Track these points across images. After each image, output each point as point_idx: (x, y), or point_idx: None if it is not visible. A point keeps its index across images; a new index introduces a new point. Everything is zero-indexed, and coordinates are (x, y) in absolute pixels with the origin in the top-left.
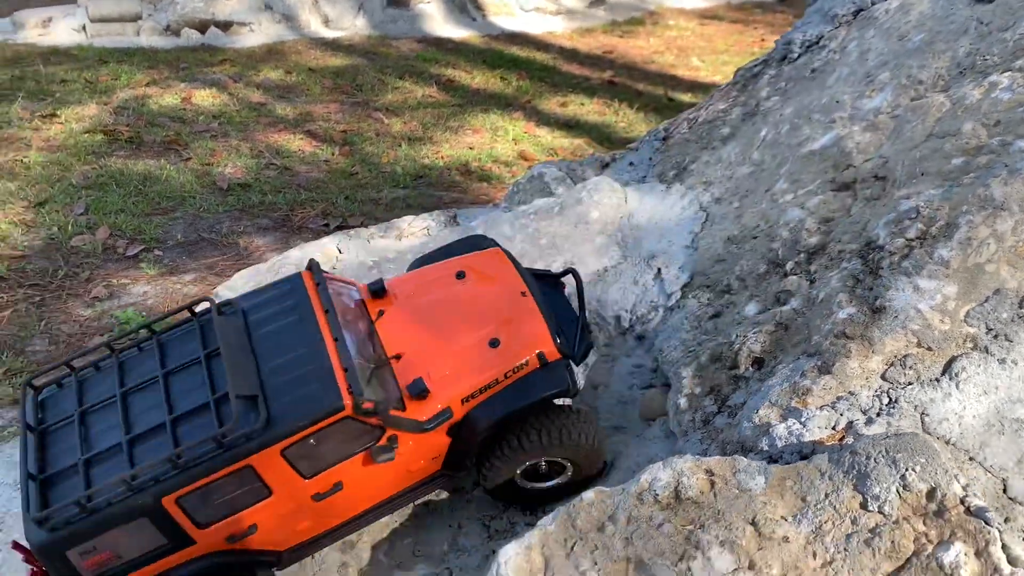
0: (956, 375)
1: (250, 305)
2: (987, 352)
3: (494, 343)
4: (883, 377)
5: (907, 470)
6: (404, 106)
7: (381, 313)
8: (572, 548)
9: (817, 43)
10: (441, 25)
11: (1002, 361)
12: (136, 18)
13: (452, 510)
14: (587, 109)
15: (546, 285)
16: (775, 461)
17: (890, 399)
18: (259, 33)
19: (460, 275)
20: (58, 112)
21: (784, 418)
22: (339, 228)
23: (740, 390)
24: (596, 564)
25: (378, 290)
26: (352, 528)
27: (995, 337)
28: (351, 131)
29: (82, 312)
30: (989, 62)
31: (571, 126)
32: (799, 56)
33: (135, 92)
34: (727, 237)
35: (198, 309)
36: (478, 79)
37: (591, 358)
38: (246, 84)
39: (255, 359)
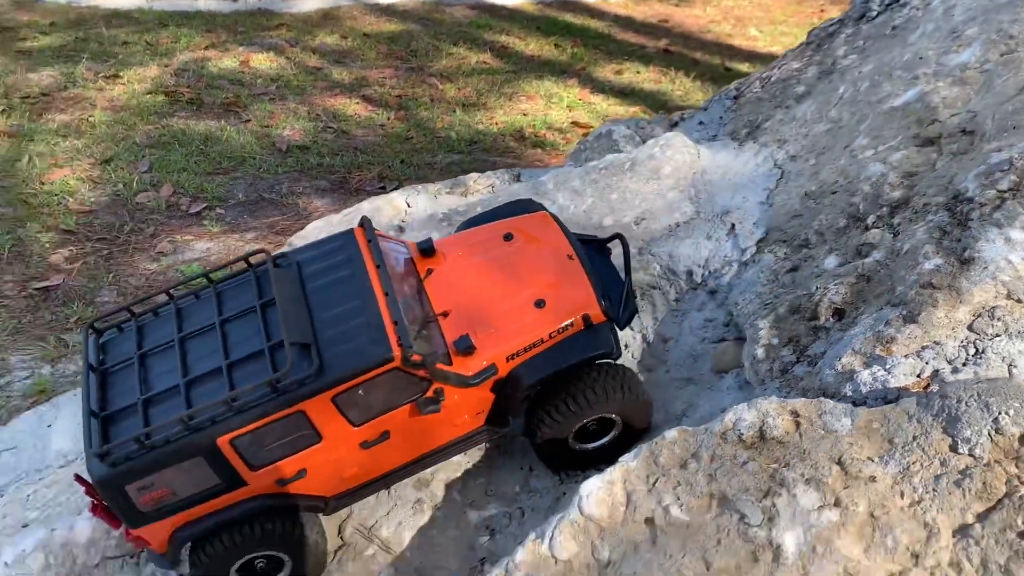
0: None
1: (304, 258)
2: None
3: (540, 304)
4: (970, 328)
5: (1000, 414)
6: (458, 72)
7: (430, 271)
8: (654, 484)
9: (897, 1)
10: None
11: None
12: None
13: (524, 453)
14: (642, 77)
15: (592, 250)
16: (859, 405)
17: (977, 350)
18: None
19: (508, 237)
20: (121, 73)
21: (868, 365)
22: (396, 190)
23: (820, 340)
24: (679, 499)
25: (427, 249)
26: (395, 479)
27: None
28: (406, 96)
29: (148, 266)
30: None
31: (626, 94)
32: (878, 14)
33: (194, 55)
34: (804, 193)
35: (254, 261)
36: (532, 46)
37: (660, 315)
38: (302, 48)
39: (308, 310)
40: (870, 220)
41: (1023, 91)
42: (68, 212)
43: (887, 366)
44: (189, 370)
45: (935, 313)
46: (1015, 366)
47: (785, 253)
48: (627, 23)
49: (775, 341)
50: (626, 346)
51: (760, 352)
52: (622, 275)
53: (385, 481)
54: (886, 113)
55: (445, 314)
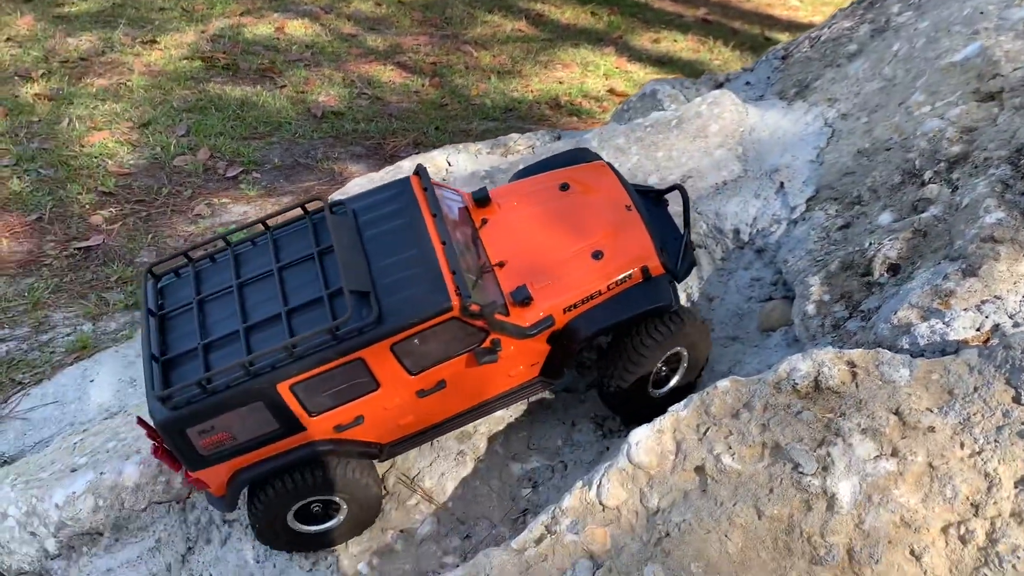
0: None
1: (360, 206)
2: None
3: (597, 255)
4: None
5: None
6: (493, 40)
7: (485, 221)
8: (705, 433)
9: None
10: None
11: None
12: None
13: (566, 408)
14: (680, 46)
15: (650, 201)
16: (917, 358)
17: None
18: None
19: (564, 187)
20: (157, 39)
21: (925, 318)
22: (437, 150)
23: (874, 296)
24: (730, 448)
25: (482, 198)
26: (448, 428)
27: None
28: (440, 63)
29: (186, 228)
30: None
31: (663, 63)
32: None
33: (230, 21)
34: (856, 151)
35: (310, 208)
36: (568, 14)
37: (705, 274)
38: (337, 15)
39: (366, 258)
40: (927, 176)
41: None
42: (107, 174)
43: (946, 319)
44: (248, 316)
45: (996, 267)
46: None
47: (836, 210)
48: None
49: (827, 297)
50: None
51: (811, 308)
52: (680, 227)
53: (439, 430)
54: (944, 69)
55: (501, 264)
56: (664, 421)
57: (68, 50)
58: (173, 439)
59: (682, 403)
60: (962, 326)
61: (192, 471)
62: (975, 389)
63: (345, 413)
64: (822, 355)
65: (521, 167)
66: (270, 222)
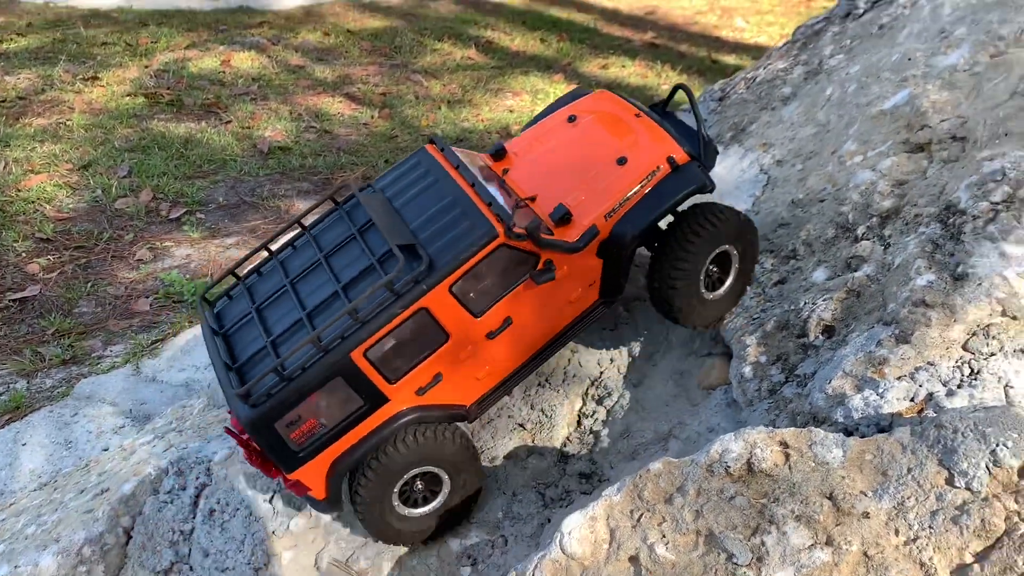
0: None
1: (386, 183)
2: None
3: (622, 161)
4: (964, 347)
5: (998, 445)
6: (443, 68)
7: (506, 171)
8: (639, 520)
9: None
10: None
11: None
12: None
13: (507, 477)
14: (629, 71)
15: (658, 110)
16: (851, 433)
17: (972, 370)
18: None
19: (571, 119)
20: (100, 75)
21: (860, 389)
22: None
23: (809, 359)
24: (664, 536)
25: (498, 151)
26: (524, 374)
27: None
28: (390, 94)
29: (127, 274)
30: None
31: (612, 89)
32: (864, 12)
33: (175, 55)
34: (791, 200)
35: (339, 198)
36: (518, 41)
37: (646, 328)
38: (285, 46)
39: (403, 220)
40: (860, 231)
41: (1015, 95)
42: (45, 219)
43: (879, 390)
44: (306, 305)
45: (928, 332)
46: (1011, 386)
47: (772, 264)
48: (613, 16)
49: (763, 359)
50: (611, 360)
51: (748, 371)
52: (691, 125)
53: (515, 378)
54: (874, 117)
55: (533, 199)
56: (597, 507)
57: (5, 89)
58: (264, 437)
59: (615, 487)
60: (896, 397)
61: (290, 472)
62: (908, 471)
63: (423, 373)
64: (754, 435)
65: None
66: (304, 221)
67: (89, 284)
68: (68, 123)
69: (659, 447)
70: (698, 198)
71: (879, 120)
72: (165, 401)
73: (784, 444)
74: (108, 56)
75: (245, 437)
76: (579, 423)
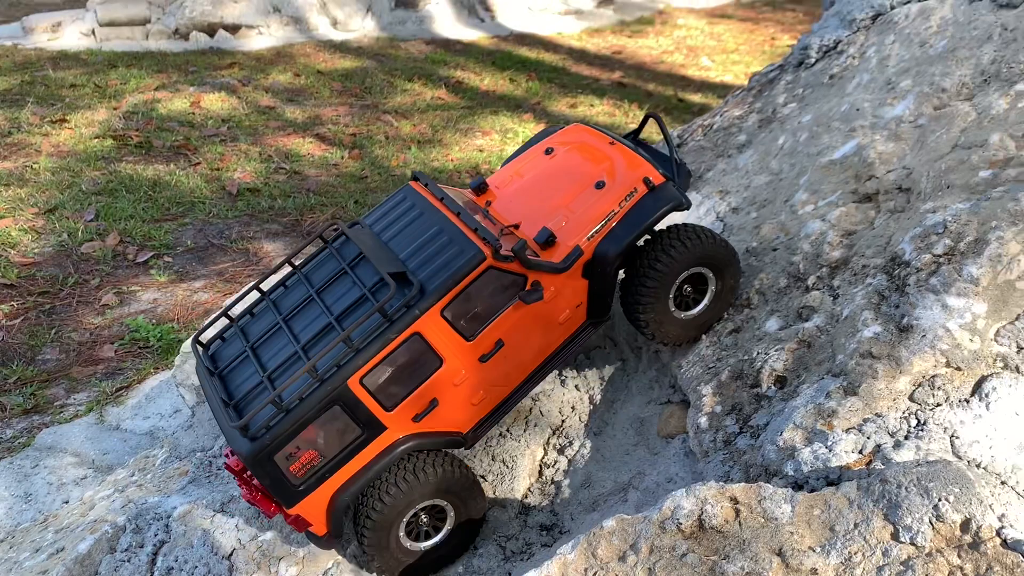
0: (986, 396)
1: (373, 219)
2: (1018, 372)
3: (600, 185)
4: (911, 398)
5: (940, 500)
6: (413, 108)
7: (488, 203)
8: None
9: (835, 48)
10: (450, 26)
11: None
12: (145, 22)
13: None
14: (597, 110)
15: (631, 140)
16: (801, 487)
17: (918, 421)
18: (267, 36)
19: (548, 151)
20: (68, 117)
21: (809, 441)
22: None
23: (762, 410)
24: None
25: (480, 186)
26: (516, 399)
27: None
28: (360, 134)
29: (92, 320)
30: (1015, 70)
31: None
32: (816, 62)
33: (144, 96)
34: (745, 249)
35: (327, 236)
36: (487, 81)
37: (606, 376)
38: (255, 87)
39: (393, 252)
40: (810, 281)
41: (956, 148)
42: (9, 265)
43: (828, 443)
44: (300, 339)
45: (875, 384)
46: (957, 437)
47: (727, 313)
48: (581, 56)
49: (718, 409)
50: (572, 408)
51: (703, 421)
52: (659, 152)
53: (509, 403)
54: (824, 167)
55: (516, 226)
56: (552, 566)
57: None
58: (264, 471)
59: (569, 544)
60: (844, 450)
61: (290, 507)
62: (855, 526)
63: (419, 399)
64: (705, 491)
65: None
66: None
67: (53, 330)
68: (34, 166)
69: (618, 498)
70: (680, 219)
71: (829, 170)
72: (128, 451)
73: (734, 500)
74: (77, 98)
75: (245, 474)
76: (540, 473)
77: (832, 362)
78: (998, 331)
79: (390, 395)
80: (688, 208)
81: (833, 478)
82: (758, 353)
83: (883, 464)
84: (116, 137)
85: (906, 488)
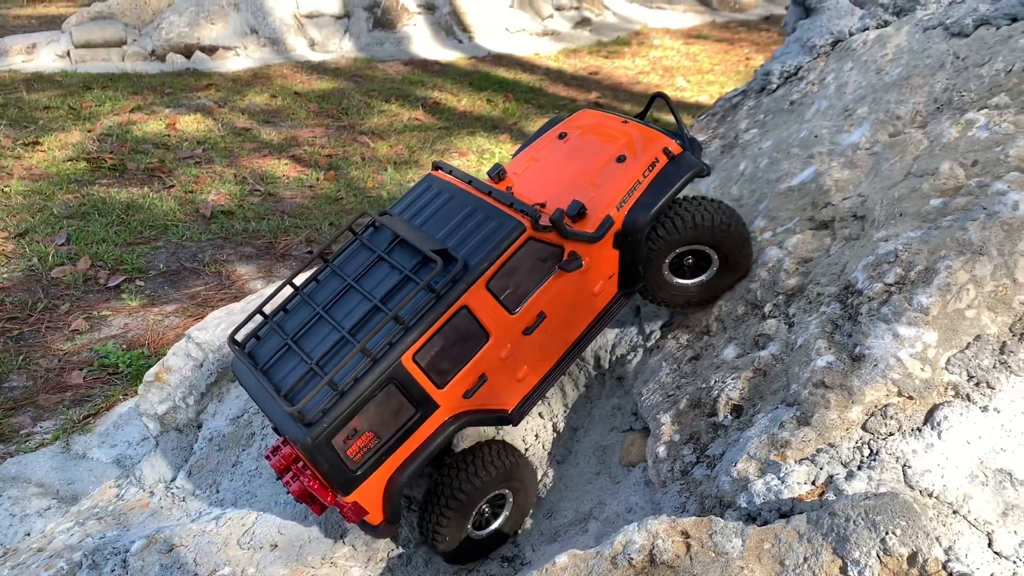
0: (938, 424)
1: (401, 209)
2: (969, 400)
3: (621, 159)
4: (864, 428)
5: (887, 533)
6: (390, 129)
7: (509, 188)
8: None
9: (795, 74)
10: (427, 47)
11: (984, 409)
12: (121, 43)
13: (428, 561)
14: None
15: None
16: (754, 519)
17: (871, 451)
18: (245, 57)
19: (562, 136)
20: (41, 140)
21: (762, 473)
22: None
23: (719, 439)
24: None
25: (499, 173)
26: (558, 373)
27: (977, 384)
28: (336, 155)
29: (61, 346)
30: (966, 98)
31: None
32: (778, 87)
33: (119, 118)
34: None
35: (357, 227)
36: (464, 101)
37: (569, 402)
38: (231, 109)
39: (427, 234)
40: (767, 308)
41: (908, 176)
42: None
43: (781, 474)
44: (345, 325)
45: (828, 414)
46: (909, 466)
47: (687, 340)
48: (558, 76)
49: (676, 438)
50: (536, 436)
51: (662, 450)
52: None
53: (548, 380)
54: (783, 193)
55: (543, 205)
56: None
57: None
58: (323, 455)
59: None
60: (796, 481)
61: (347, 495)
62: (805, 559)
63: (468, 375)
64: (656, 525)
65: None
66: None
67: (21, 357)
68: (5, 189)
69: (579, 528)
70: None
71: (787, 196)
72: (94, 480)
73: (685, 534)
74: (50, 120)
75: (297, 464)
76: None
77: (786, 391)
78: (949, 360)
79: (441, 371)
80: (709, 174)
81: (785, 510)
82: (715, 381)
83: (835, 495)
84: (90, 160)
85: (854, 522)
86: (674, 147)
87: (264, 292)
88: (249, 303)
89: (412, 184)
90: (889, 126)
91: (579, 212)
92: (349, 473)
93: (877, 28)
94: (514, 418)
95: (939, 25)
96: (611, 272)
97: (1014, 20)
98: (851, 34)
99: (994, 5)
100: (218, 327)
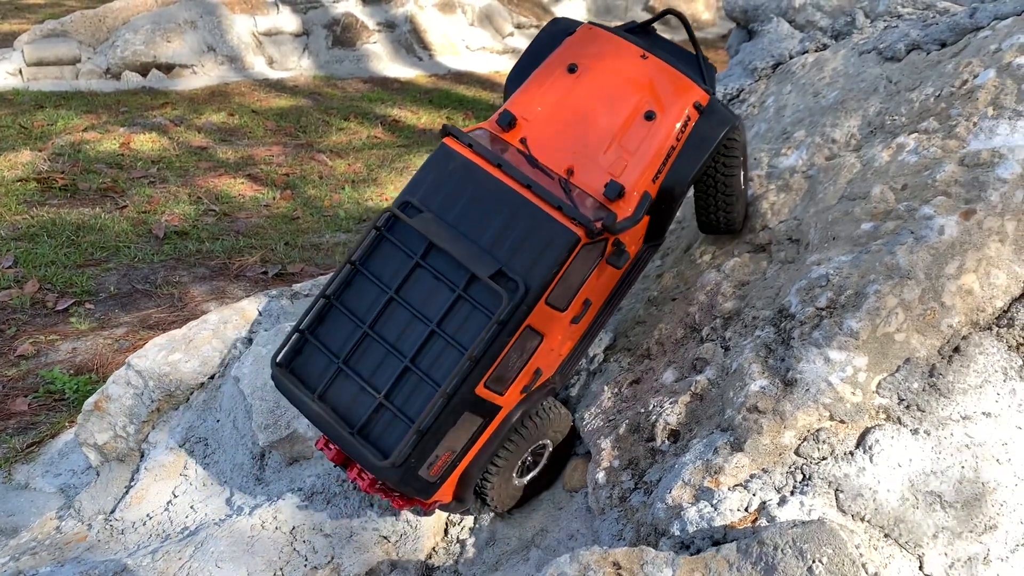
0: (870, 448)
1: (423, 196)
2: (900, 423)
3: (650, 116)
4: (796, 452)
5: (814, 562)
6: (349, 147)
7: (524, 140)
8: None
9: (738, 96)
10: (387, 65)
11: (915, 432)
12: (75, 61)
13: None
14: None
15: (645, 35)
16: (687, 547)
17: (804, 476)
18: (202, 75)
19: (572, 68)
20: None
21: (696, 499)
22: (278, 275)
23: (656, 465)
24: None
25: (509, 122)
26: (592, 336)
27: (907, 408)
28: (293, 174)
29: (6, 372)
30: (898, 122)
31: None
32: None
33: (72, 137)
34: (648, 298)
35: (381, 224)
36: (424, 119)
37: None
38: (187, 127)
39: (468, 239)
40: (705, 332)
41: (842, 199)
42: None
43: (714, 501)
44: (403, 351)
45: (761, 440)
46: (841, 490)
47: (629, 363)
48: None
49: (616, 463)
50: None
51: (601, 476)
52: (681, 48)
53: (586, 341)
54: None
55: (571, 172)
56: None
57: None
58: (408, 487)
59: None
60: (729, 508)
61: (428, 500)
62: None
63: (526, 375)
64: (588, 556)
65: (510, 69)
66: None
67: None
68: None
69: (520, 557)
70: None
71: None
72: (36, 512)
73: (617, 565)
74: (0, 140)
75: (378, 486)
76: (446, 532)
77: (721, 416)
78: (879, 383)
79: (504, 382)
80: (741, 126)
81: (718, 538)
82: (654, 406)
83: (768, 521)
84: (40, 180)
85: (782, 550)
86: (702, 96)
87: (208, 318)
88: (191, 329)
89: (369, 202)
90: (825, 149)
91: (619, 194)
92: (431, 487)
93: (816, 51)
94: (558, 384)
95: (873, 49)
96: (641, 235)
97: (943, 45)
98: (791, 57)
99: (924, 31)
100: (158, 354)
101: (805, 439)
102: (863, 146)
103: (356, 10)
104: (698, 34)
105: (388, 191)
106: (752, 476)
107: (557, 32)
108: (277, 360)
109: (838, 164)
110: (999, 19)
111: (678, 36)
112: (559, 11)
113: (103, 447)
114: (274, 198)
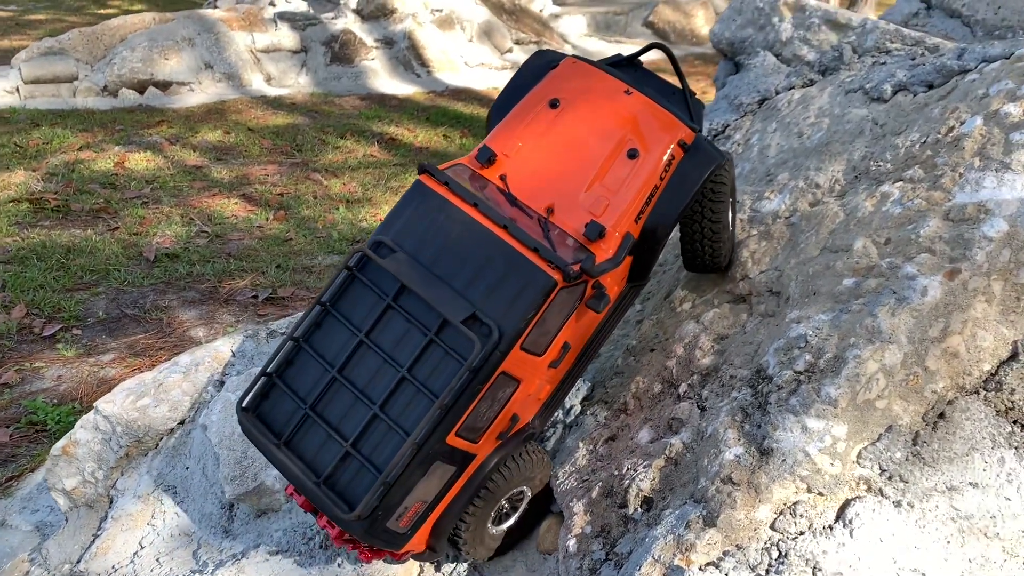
0: (850, 522)
1: (396, 234)
2: (882, 495)
3: (633, 154)
4: (772, 527)
5: None
6: (344, 166)
7: (504, 177)
8: None
9: (723, 132)
10: (385, 82)
11: (897, 504)
12: (72, 79)
13: None
14: None
15: (631, 70)
16: None
17: (780, 552)
18: (200, 92)
19: (554, 103)
20: None
21: None
22: (268, 299)
23: (628, 535)
24: None
25: (488, 157)
26: (574, 379)
27: (889, 478)
28: (288, 194)
29: None
30: (882, 168)
31: None
32: None
33: (67, 157)
34: (627, 346)
35: (352, 264)
36: (421, 137)
37: None
38: (183, 146)
39: (441, 280)
40: (682, 389)
41: (824, 251)
42: None
43: None
44: (372, 397)
45: (735, 514)
46: (819, 568)
47: (605, 418)
48: None
49: (588, 529)
50: None
51: (572, 544)
52: (668, 83)
53: (567, 384)
54: None
55: (551, 210)
56: None
57: None
58: (378, 539)
59: None
60: None
61: (397, 552)
62: None
63: (501, 421)
64: None
65: (495, 101)
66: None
67: None
68: None
69: None
70: None
71: None
72: (9, 552)
73: None
74: None
75: (346, 537)
76: None
77: (695, 485)
78: (859, 453)
79: (477, 431)
80: (729, 163)
81: None
82: (628, 468)
83: None
84: (32, 200)
85: None
86: (686, 134)
87: (180, 360)
88: (161, 372)
89: (364, 222)
90: (809, 195)
91: (600, 234)
92: (402, 538)
93: (803, 87)
94: (537, 428)
95: (859, 88)
96: (623, 276)
97: (930, 87)
98: (777, 92)
99: (911, 71)
100: (126, 399)
101: (781, 513)
102: (847, 192)
103: (355, 27)
104: (697, 51)
105: (382, 211)
106: (725, 553)
107: (541, 65)
108: (243, 404)
109: (821, 212)
110: (987, 61)
111: (679, 51)
112: (559, 27)
113: (71, 492)
114: (267, 219)
